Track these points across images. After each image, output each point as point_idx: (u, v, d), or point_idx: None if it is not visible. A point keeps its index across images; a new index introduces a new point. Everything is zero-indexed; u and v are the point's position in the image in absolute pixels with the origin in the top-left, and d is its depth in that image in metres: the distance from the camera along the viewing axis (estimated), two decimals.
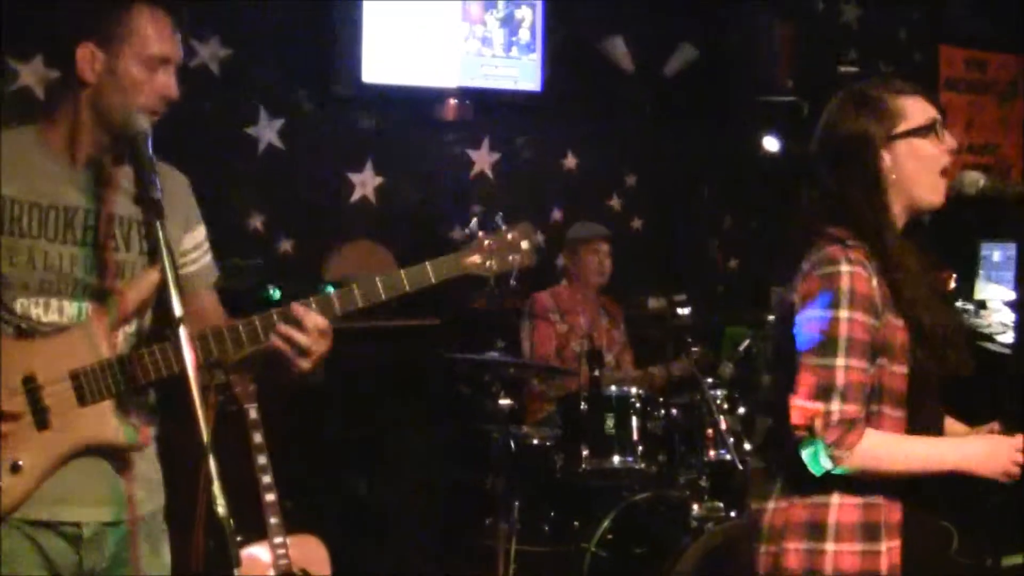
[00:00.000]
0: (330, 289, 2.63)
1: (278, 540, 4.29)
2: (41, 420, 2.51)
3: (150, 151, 2.47)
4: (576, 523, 5.05)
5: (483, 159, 7.03)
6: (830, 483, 2.66)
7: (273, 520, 4.28)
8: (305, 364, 2.55)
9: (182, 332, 2.26)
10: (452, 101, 6.72)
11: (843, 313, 2.63)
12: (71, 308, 2.58)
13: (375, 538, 5.98)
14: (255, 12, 6.33)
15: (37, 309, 2.56)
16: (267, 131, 6.37)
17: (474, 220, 2.81)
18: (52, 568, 2.56)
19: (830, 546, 2.67)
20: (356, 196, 6.65)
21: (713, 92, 7.46)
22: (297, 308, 2.53)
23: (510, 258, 2.73)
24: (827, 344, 2.63)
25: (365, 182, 6.67)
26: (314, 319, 2.53)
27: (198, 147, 5.82)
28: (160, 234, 2.33)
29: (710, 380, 5.08)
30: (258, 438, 4.32)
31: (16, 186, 2.55)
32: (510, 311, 6.13)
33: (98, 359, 2.53)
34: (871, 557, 2.68)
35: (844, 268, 2.65)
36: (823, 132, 2.85)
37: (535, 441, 5.24)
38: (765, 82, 7.55)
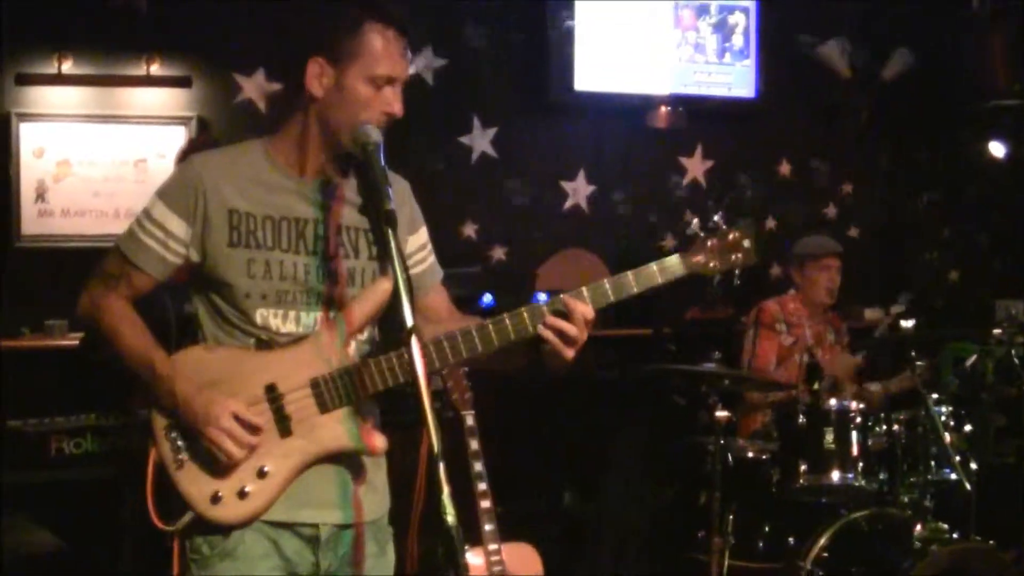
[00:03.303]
0: (543, 297, 2.64)
1: (492, 547, 4.31)
2: (284, 428, 2.57)
3: (383, 162, 2.51)
4: (791, 540, 4.91)
5: (696, 167, 6.96)
6: None
7: (488, 527, 4.30)
8: (570, 353, 2.57)
9: (414, 342, 2.29)
10: (665, 108, 6.68)
11: None
12: (307, 317, 2.63)
13: (588, 548, 5.97)
14: (468, 22, 6.42)
15: (276, 320, 2.62)
16: (481, 140, 6.45)
17: (695, 221, 2.79)
18: (290, 568, 2.62)
19: None
20: (569, 204, 6.67)
21: (933, 97, 7.26)
22: (568, 299, 2.56)
23: (733, 257, 2.73)
24: None
25: (577, 190, 6.68)
26: (583, 309, 2.56)
27: (413, 156, 5.93)
28: (393, 244, 2.37)
29: (934, 396, 4.89)
30: (474, 445, 4.34)
31: (249, 200, 2.61)
32: (724, 321, 6.04)
33: (335, 367, 2.57)
34: None
35: None
36: None
37: (751, 455, 5.12)
38: (989, 86, 7.29)
